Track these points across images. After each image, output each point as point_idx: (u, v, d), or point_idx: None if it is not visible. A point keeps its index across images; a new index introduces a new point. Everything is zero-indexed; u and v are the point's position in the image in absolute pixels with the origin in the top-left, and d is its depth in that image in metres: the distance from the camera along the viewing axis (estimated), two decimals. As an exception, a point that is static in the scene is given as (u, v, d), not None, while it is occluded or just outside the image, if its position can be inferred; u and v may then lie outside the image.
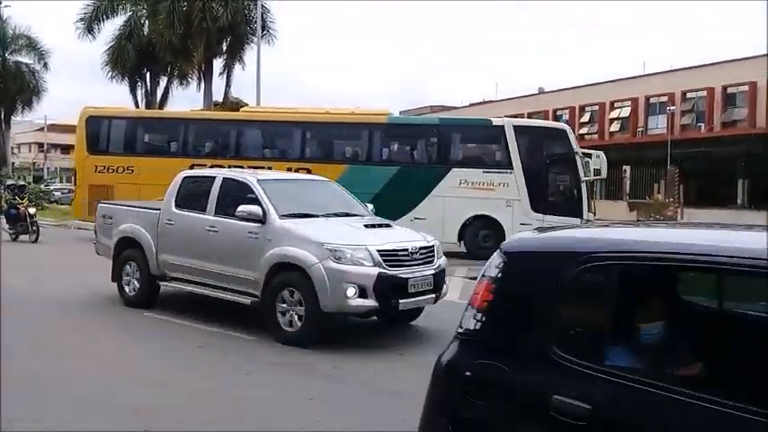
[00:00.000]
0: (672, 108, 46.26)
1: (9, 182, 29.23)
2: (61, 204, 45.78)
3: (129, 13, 33.30)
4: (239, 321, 8.55)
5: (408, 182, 17.55)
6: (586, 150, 18.17)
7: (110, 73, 34.09)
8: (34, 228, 19.01)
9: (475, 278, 10.37)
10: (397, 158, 18.65)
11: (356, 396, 5.99)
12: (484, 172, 17.44)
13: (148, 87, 35.62)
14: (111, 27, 33.56)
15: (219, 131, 20.21)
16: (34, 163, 74.40)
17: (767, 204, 36.68)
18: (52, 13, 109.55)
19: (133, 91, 35.43)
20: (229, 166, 18.05)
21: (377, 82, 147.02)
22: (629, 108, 50.18)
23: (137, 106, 35.70)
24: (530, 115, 52.77)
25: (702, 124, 45.28)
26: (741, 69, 43.76)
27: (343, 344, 7.85)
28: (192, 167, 18.33)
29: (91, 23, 32.72)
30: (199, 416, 5.32)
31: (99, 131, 19.83)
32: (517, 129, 17.58)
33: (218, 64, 33.07)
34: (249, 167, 18.01)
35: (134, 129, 20.13)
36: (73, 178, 21.19)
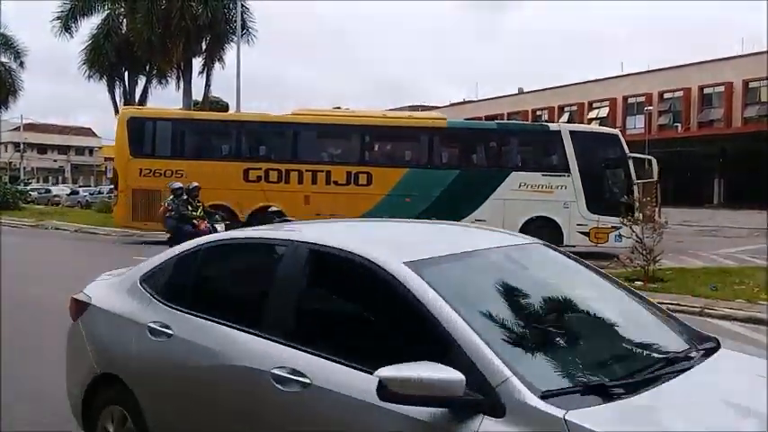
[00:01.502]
0: (649, 108, 46.79)
1: None
2: (38, 204, 45.33)
3: (107, 12, 32.98)
4: None
5: (469, 185, 18.01)
6: (638, 155, 18.73)
7: (87, 72, 33.74)
8: None
9: None
10: (457, 162, 18.88)
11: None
12: (543, 175, 18.00)
13: (127, 86, 35.31)
14: (89, 25, 33.26)
15: (274, 134, 19.82)
16: (10, 163, 73.44)
17: (742, 203, 37.26)
18: (28, 11, 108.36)
19: (111, 90, 35.09)
20: (286, 170, 18.01)
21: (357, 81, 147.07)
22: (608, 108, 50.67)
23: (115, 105, 35.40)
24: (509, 116, 53.13)
25: (679, 124, 45.85)
26: (717, 70, 44.37)
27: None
28: (246, 171, 18.23)
29: (68, 21, 32.37)
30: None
31: (143, 133, 19.12)
32: (573, 134, 18.26)
33: (197, 63, 32.88)
34: (306, 171, 17.98)
35: (182, 130, 19.52)
36: (114, 183, 20.22)
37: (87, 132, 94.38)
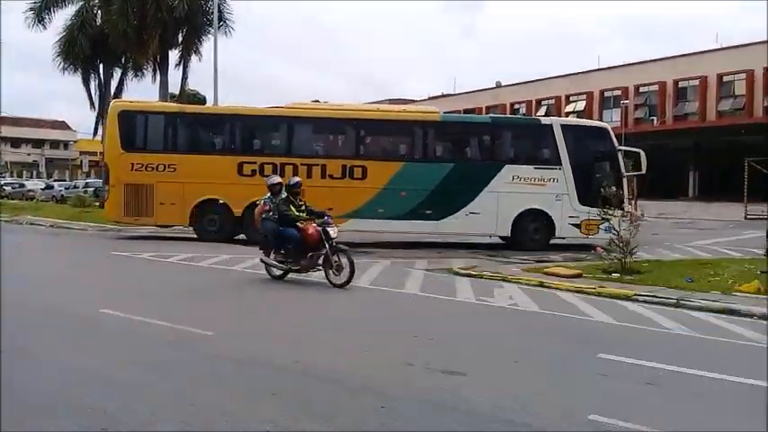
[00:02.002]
0: (625, 102, 47.20)
1: None
2: (12, 199, 44.65)
3: (81, 3, 32.44)
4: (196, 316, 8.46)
5: (463, 178, 18.10)
6: (628, 148, 18.96)
7: (62, 64, 33.22)
8: None
9: (432, 270, 10.36)
10: (451, 156, 18.92)
11: (321, 390, 6.00)
12: (535, 168, 18.15)
13: (102, 79, 34.83)
14: (63, 17, 32.70)
15: (269, 127, 19.69)
16: (-18, 156, 72.20)
17: (716, 195, 37.79)
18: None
19: (86, 82, 34.61)
20: (281, 164, 17.97)
21: (335, 74, 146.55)
22: (585, 102, 51.03)
23: (90, 98, 34.94)
24: (487, 109, 53.28)
25: (655, 117, 46.33)
26: (691, 64, 44.86)
27: (302, 336, 7.87)
28: (240, 165, 18.14)
29: (41, 13, 31.80)
30: (160, 417, 5.27)
31: (134, 127, 18.80)
32: (564, 127, 18.53)
33: (173, 55, 32.53)
34: (302, 165, 17.97)
35: (175, 124, 19.16)
36: (105, 177, 19.82)
37: (62, 126, 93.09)
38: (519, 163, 18.31)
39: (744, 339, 8.23)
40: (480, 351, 7.55)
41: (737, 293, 10.85)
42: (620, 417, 5.25)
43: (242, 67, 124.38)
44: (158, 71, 31.88)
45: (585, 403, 5.67)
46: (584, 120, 31.50)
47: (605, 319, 9.41)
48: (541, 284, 12.06)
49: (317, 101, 21.71)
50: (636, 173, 18.71)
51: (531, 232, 18.08)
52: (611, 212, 13.79)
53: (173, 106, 19.26)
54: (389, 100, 61.53)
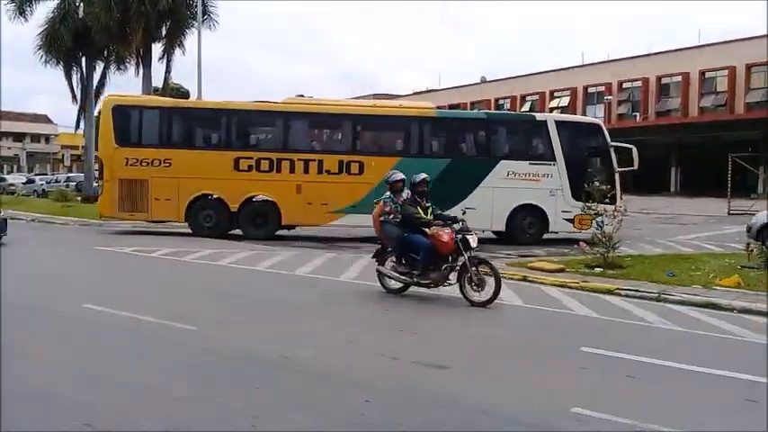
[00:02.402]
0: (609, 98, 47.51)
1: None
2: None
3: (64, -5, 32.10)
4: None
5: (459, 173, 18.13)
6: (619, 144, 19.03)
7: (43, 57, 32.86)
8: None
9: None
10: (447, 151, 18.88)
11: (306, 385, 6.01)
12: (530, 164, 18.31)
13: (84, 72, 34.53)
14: (45, 9, 32.42)
15: (266, 123, 19.54)
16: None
17: (698, 191, 38.18)
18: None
19: (68, 76, 34.28)
20: (277, 159, 17.94)
21: (320, 69, 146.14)
22: (569, 97, 51.26)
23: (72, 91, 34.62)
24: (472, 104, 53.40)
25: (638, 113, 46.62)
26: (674, 60, 45.19)
27: (287, 331, 7.88)
28: (236, 160, 18.01)
29: (23, 5, 31.48)
30: (142, 413, 5.26)
31: (129, 122, 18.50)
32: (558, 123, 18.71)
33: (157, 49, 32.29)
34: (298, 160, 17.94)
35: (170, 119, 18.87)
36: (99, 172, 19.40)
37: (43, 119, 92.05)
38: (514, 159, 18.44)
39: (724, 333, 8.34)
40: (465, 345, 7.59)
41: (718, 288, 10.98)
42: (603, 409, 5.31)
43: (224, 62, 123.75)
44: (141, 64, 31.63)
45: (569, 396, 5.72)
46: (578, 116, 31.72)
47: (588, 312, 9.50)
48: (525, 279, 12.14)
49: (302, 95, 21.56)
50: (628, 168, 18.87)
51: (526, 227, 18.28)
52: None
53: (168, 101, 19.02)
54: (374, 95, 61.44)
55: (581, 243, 14.32)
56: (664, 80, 46.56)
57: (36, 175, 62.02)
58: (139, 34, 29.48)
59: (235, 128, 18.96)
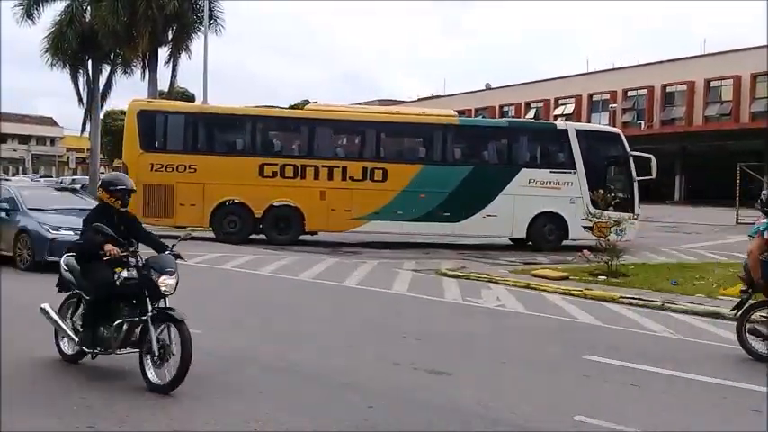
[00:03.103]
0: (614, 105, 47.53)
1: None
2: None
3: (71, -2, 32.23)
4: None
5: (481, 181, 18.25)
6: (638, 153, 19.19)
7: (50, 60, 32.97)
8: None
9: (419, 271, 10.27)
10: (469, 159, 18.94)
11: (307, 389, 6.00)
12: (551, 172, 18.42)
13: (90, 75, 34.62)
14: (52, 12, 32.47)
15: (290, 129, 19.59)
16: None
17: (702, 200, 38.11)
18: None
19: (74, 79, 34.38)
20: (302, 166, 18.10)
21: (325, 74, 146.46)
22: (573, 105, 51.28)
23: (78, 95, 34.70)
24: (476, 111, 53.44)
25: (642, 122, 46.62)
26: (679, 69, 45.19)
27: (290, 335, 7.87)
28: (261, 167, 18.07)
29: (30, 8, 31.56)
30: (144, 414, 5.25)
31: (154, 127, 18.50)
32: (578, 132, 18.87)
33: (163, 52, 32.37)
34: (322, 167, 18.09)
35: (196, 124, 18.87)
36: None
37: (49, 122, 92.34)
38: (535, 167, 18.61)
39: (728, 342, 8.30)
40: (467, 351, 7.58)
41: (722, 297, 10.94)
42: (606, 418, 5.29)
43: (228, 65, 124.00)
44: (148, 68, 31.70)
45: (571, 404, 5.71)
46: (598, 125, 31.85)
47: (591, 320, 9.48)
48: (528, 286, 12.12)
49: (308, 100, 21.65)
50: (646, 177, 18.98)
51: (546, 234, 18.36)
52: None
53: (193, 106, 19.05)
54: (379, 100, 61.63)
55: (584, 251, 14.31)
56: (669, 89, 46.56)
57: (41, 177, 62.18)
58: (146, 38, 29.56)
59: (260, 134, 19.07)
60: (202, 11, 29.53)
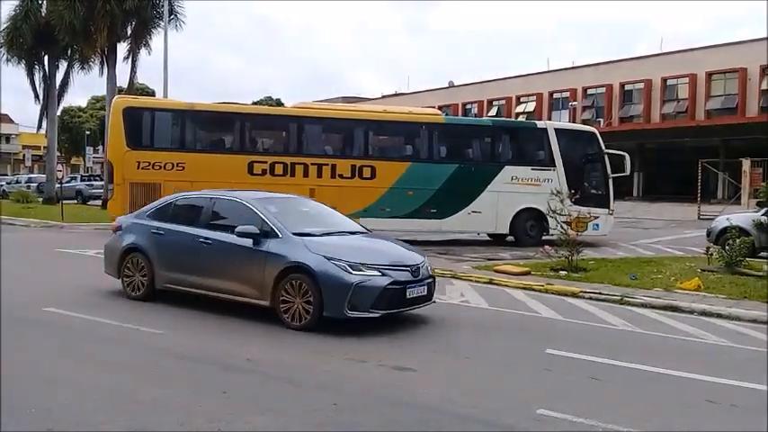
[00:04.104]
0: (574, 103, 48.23)
1: None
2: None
3: (26, -8, 31.52)
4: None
5: (466, 178, 18.65)
6: (613, 151, 19.96)
7: (5, 55, 32.24)
8: None
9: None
10: (455, 157, 19.23)
11: (272, 388, 5.99)
12: (532, 169, 18.97)
13: (47, 71, 33.94)
14: (7, 6, 31.78)
15: (279, 127, 19.50)
16: None
17: (659, 195, 38.93)
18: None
19: (31, 74, 33.68)
20: (291, 164, 18.05)
21: (287, 71, 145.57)
22: (534, 103, 51.91)
23: (35, 91, 34.00)
24: (440, 108, 53.70)
25: (602, 119, 47.40)
26: (637, 68, 46.09)
27: (256, 335, 7.84)
28: (250, 164, 17.96)
29: (-18, 2, 30.82)
30: (106, 415, 5.19)
31: (140, 124, 18.17)
32: (557, 131, 19.54)
33: (122, 48, 31.88)
34: (312, 164, 18.15)
35: (184, 122, 18.54)
36: (108, 176, 18.87)
37: (4, 119, 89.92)
38: (517, 164, 19.01)
39: (685, 335, 8.52)
40: (432, 347, 7.64)
41: (679, 291, 11.21)
42: (568, 411, 5.39)
43: (188, 61, 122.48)
44: (106, 64, 31.21)
45: (534, 397, 5.79)
46: (575, 124, 32.61)
47: (553, 315, 9.62)
48: (491, 282, 12.25)
49: (270, 97, 21.54)
50: (620, 174, 19.69)
51: (528, 229, 18.80)
52: (555, 212, 14.25)
53: (181, 103, 18.75)
54: (342, 98, 61.52)
55: (545, 247, 14.53)
56: (627, 87, 47.42)
57: (-5, 175, 60.67)
58: (104, 33, 29.08)
59: (249, 132, 19.00)
60: (162, 6, 29.14)
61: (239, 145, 18.58)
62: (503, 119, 38.20)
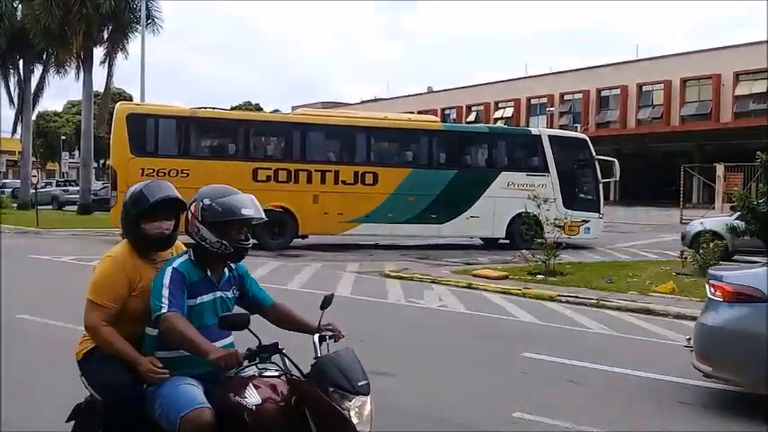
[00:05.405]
0: (551, 109, 48.69)
1: None
2: None
3: (0, -5, 31.16)
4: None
5: (465, 184, 19.07)
6: (603, 157, 20.51)
7: (-22, 59, 31.82)
8: None
9: (363, 273, 10.33)
10: (454, 163, 19.50)
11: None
12: (527, 175, 19.33)
13: (21, 75, 33.57)
14: (-21, 10, 31.32)
15: (283, 134, 19.45)
16: None
17: (635, 200, 39.36)
18: None
19: (5, 79, 33.28)
20: (295, 171, 18.15)
21: (266, 76, 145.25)
22: (513, 108, 52.29)
23: (9, 95, 33.61)
24: (419, 113, 53.89)
25: (579, 125, 47.81)
26: (613, 74, 46.62)
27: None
28: (255, 171, 17.96)
29: (-45, 5, 30.41)
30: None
31: (144, 131, 18.00)
32: (551, 138, 20.17)
33: (98, 52, 31.60)
34: (315, 171, 18.28)
35: (188, 128, 18.40)
36: (112, 183, 18.60)
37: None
38: (513, 170, 19.47)
39: (660, 338, 8.63)
40: (409, 352, 7.66)
41: (654, 294, 11.35)
42: (544, 414, 5.43)
43: (165, 65, 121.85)
44: (82, 68, 30.91)
45: (511, 401, 5.83)
46: (567, 131, 33.05)
47: (530, 319, 9.69)
48: (469, 286, 12.31)
49: (249, 102, 21.55)
50: (610, 179, 20.33)
51: (523, 233, 18.90)
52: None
53: (185, 110, 18.61)
54: (322, 103, 61.46)
55: (522, 251, 14.65)
56: (603, 93, 47.95)
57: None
58: (80, 37, 28.82)
59: (253, 138, 19.12)
60: (139, 10, 28.95)
61: (243, 152, 18.60)
62: (499, 126, 38.72)
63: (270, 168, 18.20)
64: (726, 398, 6.09)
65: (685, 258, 13.71)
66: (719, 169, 31.66)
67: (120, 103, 19.80)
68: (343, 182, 18.42)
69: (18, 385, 5.98)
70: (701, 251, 13.62)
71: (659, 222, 28.76)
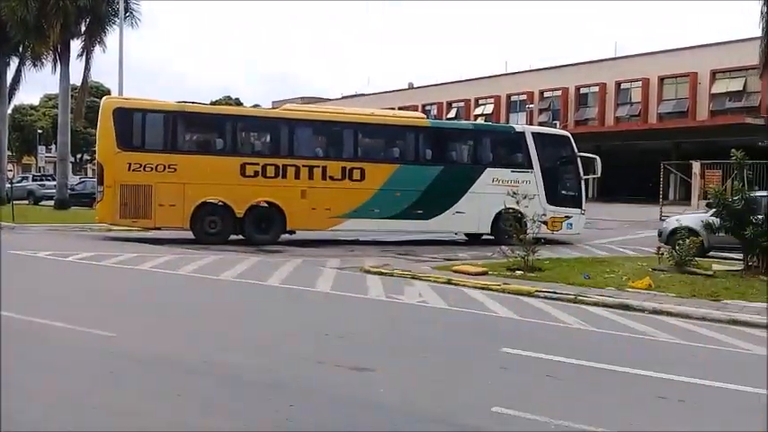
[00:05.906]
0: (531, 106, 49.00)
1: None
2: None
3: (-26, -14, 30.61)
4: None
5: (451, 180, 19.32)
6: (585, 154, 20.79)
7: (-48, 51, 31.26)
8: None
9: (343, 269, 10.38)
10: (440, 159, 19.63)
11: (228, 390, 5.96)
12: (511, 171, 19.65)
13: (-3, 68, 33.02)
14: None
15: (271, 129, 19.36)
16: None
17: (613, 197, 39.75)
18: None
19: (-21, 71, 32.71)
20: (283, 166, 18.05)
21: (245, 71, 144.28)
22: (493, 105, 52.54)
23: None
24: (400, 109, 54.01)
25: (558, 121, 48.20)
26: (592, 71, 47.02)
27: (209, 335, 7.79)
28: (243, 166, 17.88)
29: (-72, -4, 29.81)
30: (55, 422, 5.10)
31: (131, 125, 17.72)
32: (534, 135, 20.38)
33: (76, 46, 31.22)
34: (303, 166, 18.23)
35: (175, 123, 18.09)
36: (98, 177, 18.28)
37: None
38: (498, 166, 19.67)
39: (636, 333, 8.74)
40: (390, 348, 7.68)
41: (630, 289, 11.49)
42: (522, 408, 5.48)
43: (145, 60, 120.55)
44: (59, 61, 30.52)
45: (489, 396, 5.88)
46: (550, 128, 33.39)
47: (509, 314, 9.76)
48: (449, 282, 12.37)
49: (229, 97, 21.47)
50: (592, 176, 20.62)
51: (507, 229, 18.98)
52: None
53: (172, 104, 18.44)
54: (302, 98, 61.27)
55: (501, 246, 14.74)
56: (582, 90, 48.36)
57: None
58: (57, 30, 28.44)
59: (241, 133, 19.05)
60: (117, 3, 28.65)
61: (231, 147, 18.48)
62: (484, 123, 39.23)
63: (257, 164, 18.15)
64: (702, 393, 6.19)
65: (661, 255, 13.88)
66: (696, 167, 32.05)
67: (106, 97, 19.64)
68: (331, 177, 18.45)
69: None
70: (676, 247, 13.78)
71: (637, 219, 29.05)
